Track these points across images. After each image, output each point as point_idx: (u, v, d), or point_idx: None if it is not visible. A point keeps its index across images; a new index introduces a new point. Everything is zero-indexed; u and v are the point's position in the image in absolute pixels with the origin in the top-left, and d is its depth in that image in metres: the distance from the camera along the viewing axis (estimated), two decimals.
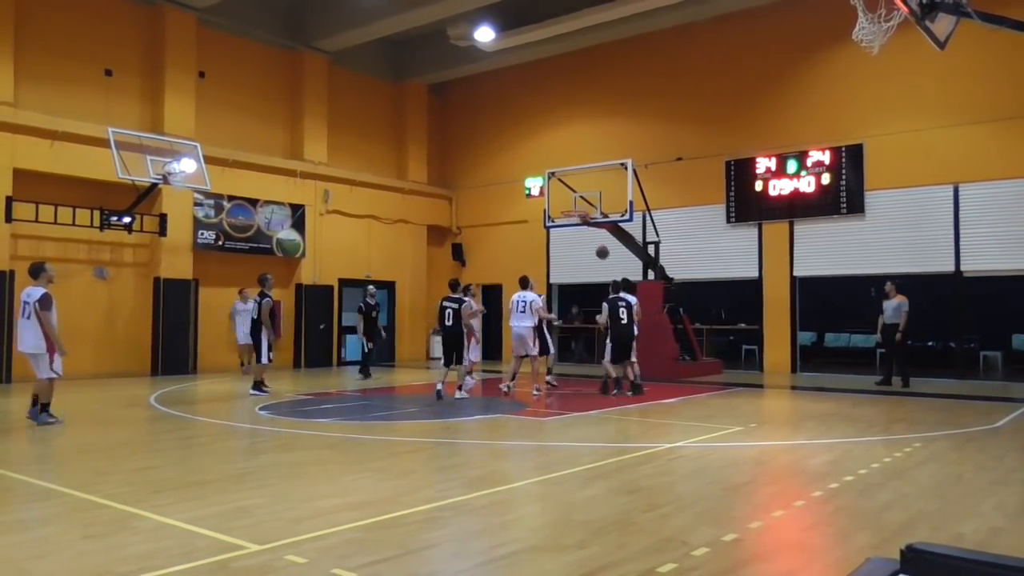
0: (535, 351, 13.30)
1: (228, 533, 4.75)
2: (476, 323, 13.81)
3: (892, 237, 16.39)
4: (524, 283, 13.72)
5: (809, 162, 17.33)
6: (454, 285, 13.21)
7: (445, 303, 12.79)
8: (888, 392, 13.54)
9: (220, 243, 18.24)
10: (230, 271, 18.27)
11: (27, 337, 9.45)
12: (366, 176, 21.64)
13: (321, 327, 20.31)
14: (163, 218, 16.95)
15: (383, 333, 16.90)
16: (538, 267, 21.65)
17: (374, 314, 16.56)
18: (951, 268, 15.82)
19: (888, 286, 14.26)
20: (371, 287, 17.30)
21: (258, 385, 13.27)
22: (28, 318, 9.43)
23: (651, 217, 17.53)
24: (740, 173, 18.30)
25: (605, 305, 13.13)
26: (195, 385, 15.09)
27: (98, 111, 16.57)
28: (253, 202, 18.90)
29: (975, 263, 15.62)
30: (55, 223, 15.44)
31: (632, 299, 13.28)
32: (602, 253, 15.42)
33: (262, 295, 13.20)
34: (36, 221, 15.24)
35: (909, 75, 16.06)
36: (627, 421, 10.28)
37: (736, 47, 18.65)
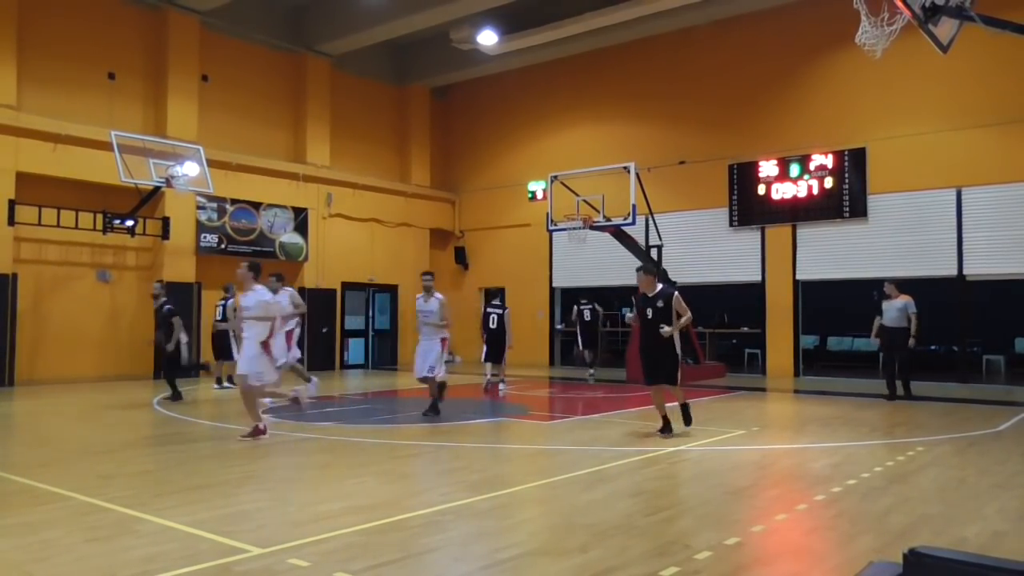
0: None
1: (230, 536, 4.76)
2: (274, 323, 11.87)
3: (895, 241, 16.37)
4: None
5: (812, 166, 17.32)
6: (494, 293, 15.33)
7: (489, 309, 14.82)
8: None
9: (223, 246, 18.25)
10: (233, 274, 18.20)
11: None
12: (369, 179, 21.67)
13: (323, 330, 20.31)
14: (166, 221, 16.98)
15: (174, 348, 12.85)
16: (541, 270, 21.66)
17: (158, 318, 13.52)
18: (954, 272, 15.79)
19: (888, 286, 13.00)
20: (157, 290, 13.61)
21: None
22: None
23: (654, 221, 17.52)
24: (743, 177, 18.30)
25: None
26: (198, 388, 15.08)
27: (101, 114, 16.61)
28: (256, 205, 18.93)
29: (978, 267, 15.60)
30: (58, 226, 15.47)
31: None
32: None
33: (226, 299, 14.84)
34: (39, 224, 15.27)
35: (912, 79, 16.06)
36: (629, 424, 10.28)
37: (739, 51, 18.65)
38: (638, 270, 9.28)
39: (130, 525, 5.05)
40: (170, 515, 5.26)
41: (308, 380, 12.23)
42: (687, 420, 9.16)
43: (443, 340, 10.85)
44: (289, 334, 11.92)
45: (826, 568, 4.41)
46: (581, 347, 17.01)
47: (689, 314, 9.04)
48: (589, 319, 16.94)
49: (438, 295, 10.89)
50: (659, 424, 9.11)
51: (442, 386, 11.02)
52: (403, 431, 9.99)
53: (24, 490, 6.16)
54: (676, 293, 8.99)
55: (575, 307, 17.15)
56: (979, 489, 6.27)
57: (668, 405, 9.22)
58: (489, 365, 14.76)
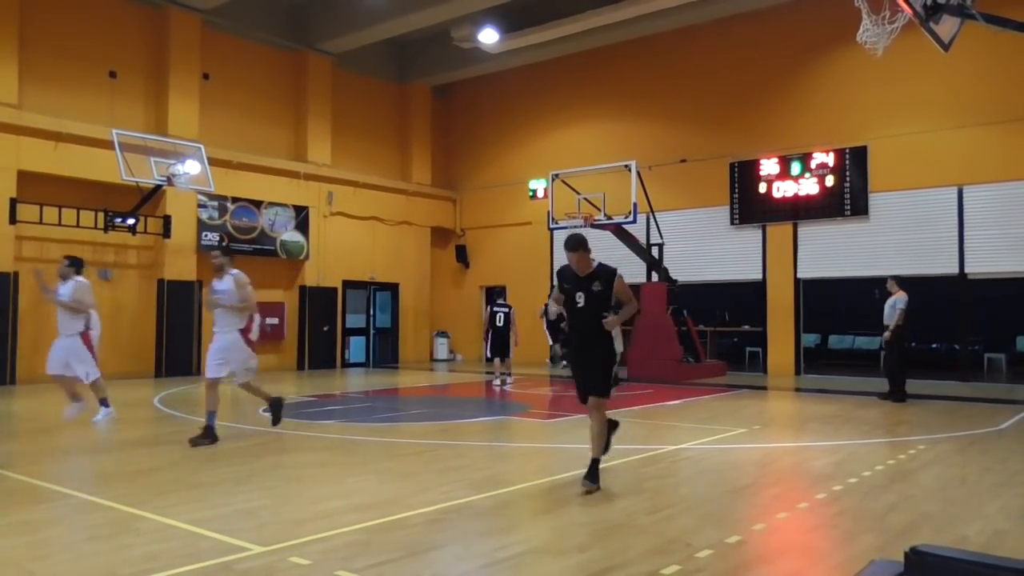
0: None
1: (232, 535, 4.76)
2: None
3: (896, 239, 16.36)
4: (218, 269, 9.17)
5: (813, 164, 17.31)
6: (499, 292, 15.67)
7: (496, 308, 15.15)
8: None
9: (224, 244, 18.25)
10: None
11: None
12: (370, 178, 21.67)
13: (324, 329, 20.33)
14: (167, 220, 16.99)
15: None
16: (542, 269, 21.65)
17: None
18: (955, 270, 15.78)
19: (889, 282, 12.70)
20: None
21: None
22: None
23: (655, 219, 17.52)
24: (744, 175, 18.29)
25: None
26: (199, 387, 15.09)
27: (102, 113, 16.61)
28: (257, 204, 18.93)
29: (979, 265, 15.59)
30: (59, 225, 15.48)
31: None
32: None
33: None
34: (40, 223, 15.28)
35: (913, 77, 16.04)
36: (630, 423, 10.26)
37: (740, 49, 18.63)
38: (567, 245, 6.40)
39: (131, 523, 5.06)
40: (171, 513, 5.26)
41: (91, 401, 9.91)
42: (603, 446, 6.44)
43: (243, 331, 8.51)
44: (85, 337, 9.59)
45: (827, 566, 4.40)
46: (489, 353, 15.71)
47: (635, 304, 6.51)
48: (501, 324, 15.56)
49: (234, 271, 8.48)
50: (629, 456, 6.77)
51: (277, 403, 8.94)
52: (404, 429, 9.99)
53: (25, 488, 6.17)
54: (619, 273, 6.41)
55: (489, 308, 16.05)
56: (980, 488, 6.27)
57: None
58: (497, 361, 15.25)
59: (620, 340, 6.73)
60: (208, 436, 8.18)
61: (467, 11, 18.55)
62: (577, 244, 6.39)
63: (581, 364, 6.52)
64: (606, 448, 6.43)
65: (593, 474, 6.16)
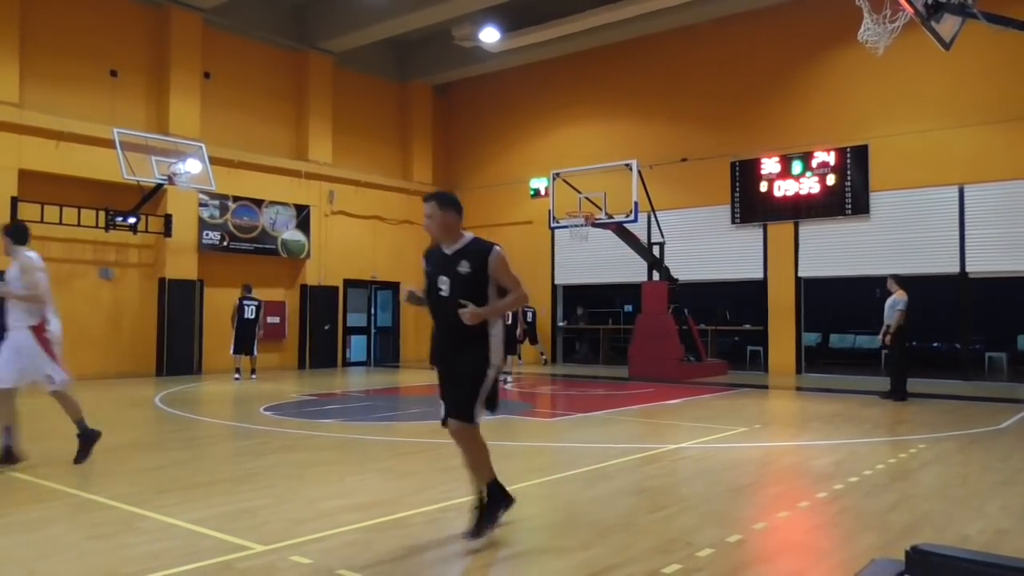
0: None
1: (232, 534, 4.76)
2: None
3: (897, 238, 16.35)
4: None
5: (814, 163, 17.31)
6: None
7: None
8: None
9: (225, 244, 18.27)
10: (235, 272, 18.30)
11: None
12: (371, 177, 21.67)
13: (326, 328, 20.33)
14: (168, 219, 16.99)
15: None
16: (543, 268, 21.64)
17: None
18: (956, 269, 15.77)
19: (889, 281, 12.56)
20: None
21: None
22: None
23: (656, 218, 17.51)
24: (745, 174, 18.28)
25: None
26: (200, 386, 15.11)
27: (103, 112, 16.61)
28: (258, 203, 18.93)
29: (980, 264, 15.58)
30: (60, 224, 15.48)
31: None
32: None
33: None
34: (41, 222, 15.26)
35: (914, 76, 16.03)
36: (631, 422, 10.27)
37: (741, 48, 18.63)
38: (427, 198, 4.88)
39: (132, 522, 5.06)
40: (172, 512, 5.27)
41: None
42: (487, 517, 4.74)
43: (35, 328, 6.78)
44: None
45: (828, 565, 4.40)
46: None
47: (521, 292, 4.86)
48: (510, 323, 15.76)
49: (27, 252, 6.94)
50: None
51: (89, 438, 7.25)
52: (405, 428, 9.99)
53: (26, 487, 6.17)
54: (498, 249, 4.79)
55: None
56: (982, 486, 6.26)
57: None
58: (510, 358, 15.20)
59: (500, 346, 4.85)
60: (6, 459, 6.83)
61: (468, 10, 18.55)
62: (433, 195, 4.86)
63: (447, 369, 4.89)
64: (491, 522, 4.74)
65: (489, 510, 4.73)
